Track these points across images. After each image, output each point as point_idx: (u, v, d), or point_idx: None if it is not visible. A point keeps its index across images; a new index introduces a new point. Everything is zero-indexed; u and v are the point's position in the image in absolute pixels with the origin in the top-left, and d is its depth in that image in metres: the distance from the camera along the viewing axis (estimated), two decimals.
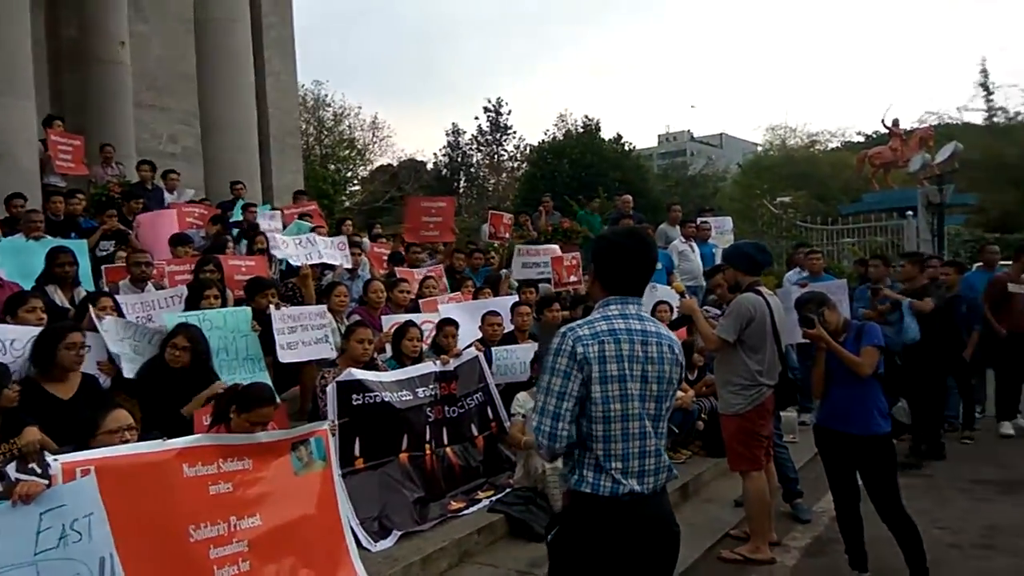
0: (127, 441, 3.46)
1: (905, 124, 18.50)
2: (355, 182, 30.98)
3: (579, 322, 2.38)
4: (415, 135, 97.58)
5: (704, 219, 10.69)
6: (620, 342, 2.30)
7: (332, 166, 28.17)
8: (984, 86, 34.20)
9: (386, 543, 4.38)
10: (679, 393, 6.63)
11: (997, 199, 26.95)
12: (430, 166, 39.63)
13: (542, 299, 7.03)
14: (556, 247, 9.28)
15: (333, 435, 4.36)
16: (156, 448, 3.39)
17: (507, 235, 9.99)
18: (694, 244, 9.47)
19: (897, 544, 4.12)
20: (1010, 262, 8.41)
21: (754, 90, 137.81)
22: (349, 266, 8.02)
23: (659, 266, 8.82)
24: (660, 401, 2.37)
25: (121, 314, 5.32)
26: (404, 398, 5.16)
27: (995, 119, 32.64)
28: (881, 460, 4.16)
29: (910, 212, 16.28)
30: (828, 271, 9.33)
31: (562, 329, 2.37)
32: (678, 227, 10.11)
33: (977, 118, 33.46)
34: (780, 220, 17.52)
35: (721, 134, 75.48)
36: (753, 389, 4.66)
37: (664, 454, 2.40)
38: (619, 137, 31.90)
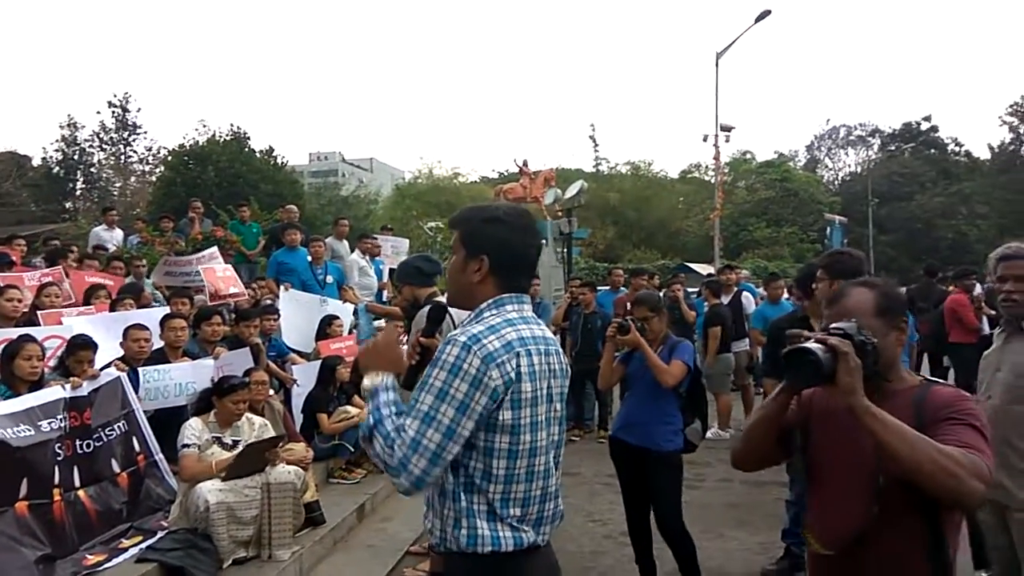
0: None
1: (532, 166, 20.73)
2: None
3: (478, 329, 1.78)
4: (16, 124, 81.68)
5: (384, 237, 11.04)
6: (531, 355, 1.81)
7: None
8: (592, 139, 41.09)
9: None
10: (353, 409, 6.46)
11: (603, 234, 32.10)
12: (37, 162, 33.52)
13: (200, 312, 6.21)
14: (215, 254, 8.40)
15: None
16: None
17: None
18: (368, 260, 9.37)
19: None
20: (625, 288, 9.90)
21: (402, 120, 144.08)
22: None
23: (331, 280, 8.68)
24: (560, 424, 1.97)
25: None
26: (22, 434, 4.10)
27: (600, 167, 38.97)
28: (668, 475, 4.07)
29: (544, 240, 18.33)
30: None
31: (458, 337, 1.76)
32: (345, 241, 9.92)
33: (587, 165, 39.58)
34: (434, 243, 18.40)
35: (371, 158, 77.17)
36: None
37: (559, 496, 1.97)
38: (271, 150, 30.39)
